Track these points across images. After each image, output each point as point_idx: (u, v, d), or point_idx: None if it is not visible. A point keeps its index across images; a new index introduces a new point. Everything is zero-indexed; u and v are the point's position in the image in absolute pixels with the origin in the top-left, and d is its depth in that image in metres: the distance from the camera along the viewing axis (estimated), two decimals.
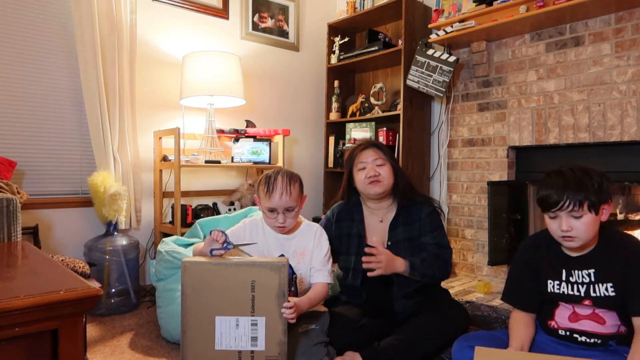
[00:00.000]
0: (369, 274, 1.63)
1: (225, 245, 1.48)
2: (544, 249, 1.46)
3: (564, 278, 1.39)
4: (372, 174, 1.76)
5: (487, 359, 1.26)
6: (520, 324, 1.44)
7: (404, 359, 1.61)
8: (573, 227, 1.30)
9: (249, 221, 1.74)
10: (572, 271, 1.38)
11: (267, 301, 1.38)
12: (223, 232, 1.48)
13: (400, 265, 1.67)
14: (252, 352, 1.38)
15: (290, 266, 1.63)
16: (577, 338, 1.37)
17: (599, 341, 1.35)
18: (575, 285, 1.37)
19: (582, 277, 1.36)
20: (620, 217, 2.36)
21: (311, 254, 1.65)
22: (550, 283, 1.42)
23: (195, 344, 1.38)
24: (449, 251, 1.81)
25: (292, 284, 1.63)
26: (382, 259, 1.61)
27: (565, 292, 1.39)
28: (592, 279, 1.35)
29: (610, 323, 1.35)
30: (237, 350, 1.38)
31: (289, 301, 1.39)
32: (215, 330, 1.38)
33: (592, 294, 1.34)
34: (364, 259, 1.62)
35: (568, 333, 1.39)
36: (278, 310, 1.38)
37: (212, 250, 1.47)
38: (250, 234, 1.67)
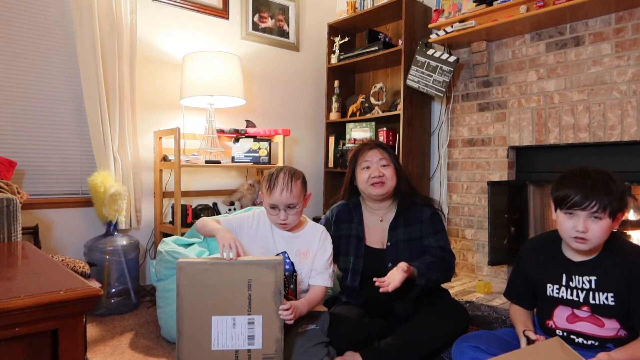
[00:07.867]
0: (382, 289, 1.55)
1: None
2: (544, 253, 1.46)
3: (564, 283, 1.39)
4: (376, 174, 1.76)
5: None
6: (519, 311, 1.53)
7: (404, 359, 1.61)
8: (589, 229, 1.29)
9: (259, 211, 1.74)
10: (573, 276, 1.37)
11: (264, 299, 1.38)
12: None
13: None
14: (249, 350, 1.38)
15: (292, 263, 1.64)
16: (574, 339, 1.37)
17: (597, 343, 1.35)
18: (574, 291, 1.37)
19: (583, 282, 1.36)
20: None
21: (314, 256, 1.65)
22: (550, 287, 1.42)
23: (191, 346, 1.38)
24: (453, 256, 1.81)
25: (292, 282, 1.63)
26: (397, 279, 1.56)
27: (564, 297, 1.38)
28: (593, 287, 1.34)
29: (608, 326, 1.34)
30: (234, 350, 1.38)
31: (285, 302, 1.39)
32: (212, 331, 1.38)
33: (591, 301, 1.34)
34: (376, 279, 1.56)
35: (565, 334, 1.39)
36: (275, 308, 1.38)
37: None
38: (258, 224, 1.69)
